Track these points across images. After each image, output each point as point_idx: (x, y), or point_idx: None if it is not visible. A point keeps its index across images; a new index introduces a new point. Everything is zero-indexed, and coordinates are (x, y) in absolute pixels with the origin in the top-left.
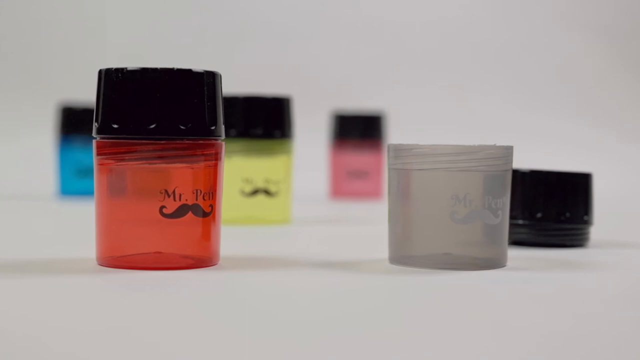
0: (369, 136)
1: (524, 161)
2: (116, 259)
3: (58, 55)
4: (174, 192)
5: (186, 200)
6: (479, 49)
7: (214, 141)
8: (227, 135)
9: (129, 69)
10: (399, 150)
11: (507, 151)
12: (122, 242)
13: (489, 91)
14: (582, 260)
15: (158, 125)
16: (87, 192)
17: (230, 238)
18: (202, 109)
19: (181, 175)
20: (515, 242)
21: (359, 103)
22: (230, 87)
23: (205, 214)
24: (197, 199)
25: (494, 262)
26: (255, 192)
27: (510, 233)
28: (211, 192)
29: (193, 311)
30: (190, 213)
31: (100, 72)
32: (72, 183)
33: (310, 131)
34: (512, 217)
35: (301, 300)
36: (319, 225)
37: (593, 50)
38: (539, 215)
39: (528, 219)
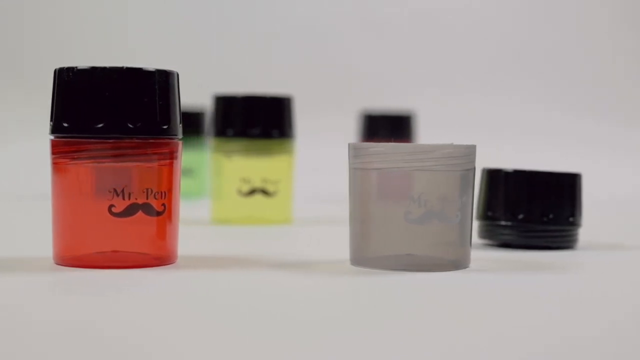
0: (397, 136)
1: (550, 164)
2: (72, 258)
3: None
4: (122, 191)
5: (136, 199)
6: (514, 49)
7: (167, 140)
8: (225, 134)
9: (79, 67)
10: (358, 150)
11: (468, 150)
12: (77, 240)
13: (524, 93)
14: (556, 263)
15: (106, 124)
16: None
17: (217, 238)
18: (153, 108)
19: (130, 174)
20: (503, 244)
21: (390, 103)
22: (256, 86)
23: (157, 213)
24: (147, 198)
25: (456, 264)
26: (252, 191)
27: (495, 234)
28: (164, 191)
29: (144, 309)
30: (140, 212)
31: (54, 71)
32: None
33: (338, 131)
34: (494, 217)
35: (249, 300)
36: (319, 226)
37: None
38: (520, 216)
39: (510, 219)
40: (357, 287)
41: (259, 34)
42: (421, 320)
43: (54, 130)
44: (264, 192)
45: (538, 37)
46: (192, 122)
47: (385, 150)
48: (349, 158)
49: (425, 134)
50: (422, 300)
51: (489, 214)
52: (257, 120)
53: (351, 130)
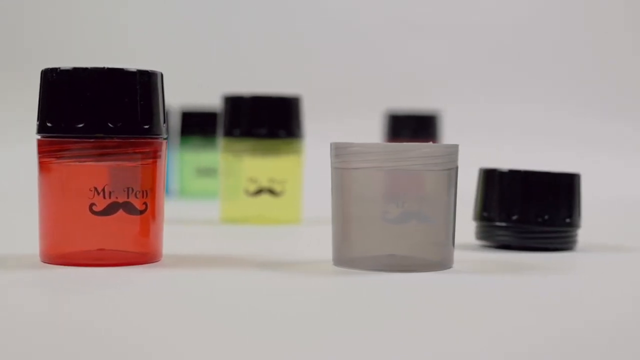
0: (421, 136)
1: (572, 166)
2: (57, 256)
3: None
4: (103, 189)
5: (116, 198)
6: (539, 50)
7: (149, 139)
8: (232, 134)
9: (62, 68)
10: (338, 149)
11: (449, 150)
12: (62, 239)
13: (551, 95)
14: (543, 264)
15: (87, 124)
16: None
17: (217, 237)
18: (134, 108)
19: (111, 173)
20: (501, 245)
21: (417, 103)
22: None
23: (139, 212)
24: (128, 197)
25: (439, 264)
26: (259, 191)
27: (491, 235)
28: (146, 190)
29: (122, 307)
30: (121, 210)
31: (41, 72)
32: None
33: (364, 131)
34: (490, 218)
35: (229, 299)
36: (327, 226)
37: None
38: (515, 216)
39: (505, 220)
40: (333, 287)
41: (283, 33)
42: (398, 322)
43: (39, 130)
44: (271, 191)
45: (572, 38)
46: (213, 123)
47: (363, 149)
48: (330, 158)
49: (451, 134)
50: (398, 300)
51: (485, 214)
52: (264, 120)
53: (376, 130)
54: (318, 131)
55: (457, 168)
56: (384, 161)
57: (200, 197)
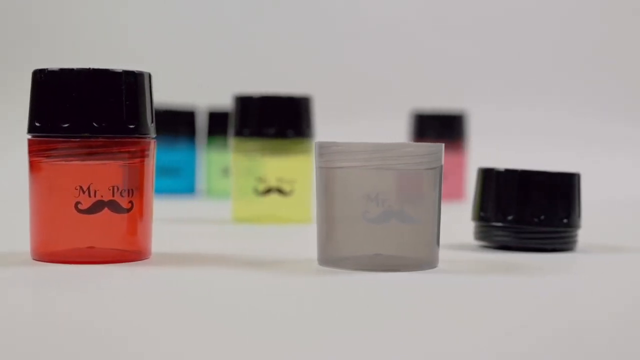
0: (447, 136)
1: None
2: (47, 253)
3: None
4: (88, 188)
5: (102, 196)
6: (569, 50)
7: (135, 139)
8: (242, 134)
9: (49, 69)
10: (322, 148)
11: (432, 149)
12: (50, 237)
13: (579, 97)
14: (536, 265)
15: (73, 124)
16: (168, 191)
17: (217, 237)
18: (119, 108)
19: (96, 173)
20: (500, 246)
21: (445, 103)
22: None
23: (125, 210)
24: (113, 196)
25: (423, 264)
26: (268, 190)
27: (489, 236)
28: (132, 189)
29: (102, 304)
30: (106, 209)
31: (32, 72)
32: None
33: (389, 131)
34: (487, 218)
35: (212, 297)
36: None
37: None
38: (510, 216)
39: (501, 220)
40: (315, 287)
41: (306, 34)
42: (376, 321)
43: (29, 129)
44: (280, 191)
45: (604, 39)
46: None
47: (345, 148)
48: (314, 157)
49: (479, 134)
50: (376, 300)
51: (482, 214)
52: (273, 119)
53: (402, 130)
54: (343, 132)
55: (441, 167)
56: (365, 160)
57: (227, 196)
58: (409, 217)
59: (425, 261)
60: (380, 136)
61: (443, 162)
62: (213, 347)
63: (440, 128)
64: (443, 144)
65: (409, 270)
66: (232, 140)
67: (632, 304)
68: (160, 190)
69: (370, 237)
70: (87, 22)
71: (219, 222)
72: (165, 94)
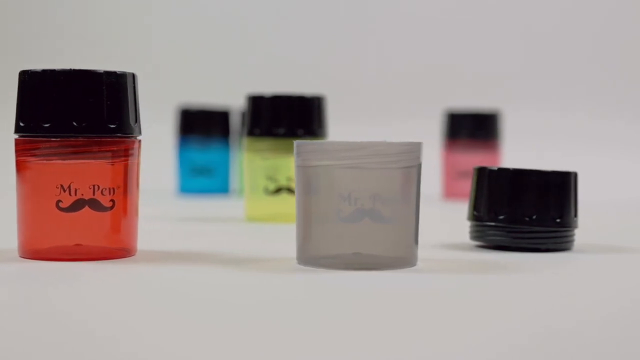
0: (480, 136)
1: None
2: (33, 251)
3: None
4: (69, 187)
5: (82, 195)
6: (604, 50)
7: (117, 139)
8: (253, 133)
9: (32, 70)
10: (299, 147)
11: (407, 148)
12: (35, 234)
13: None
14: (521, 265)
15: (53, 124)
16: (202, 190)
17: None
18: (100, 108)
19: (77, 172)
20: (493, 245)
21: (480, 102)
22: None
23: (106, 209)
24: (94, 194)
25: (400, 263)
26: (278, 190)
27: (483, 235)
28: (113, 187)
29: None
30: (87, 207)
31: (18, 73)
32: (189, 181)
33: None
34: (480, 218)
35: (195, 294)
36: None
37: None
38: (501, 216)
39: (493, 219)
40: (291, 284)
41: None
42: (349, 321)
43: (15, 129)
44: (290, 190)
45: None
46: None
47: (319, 147)
48: (294, 156)
49: (513, 134)
50: (348, 298)
51: (476, 213)
52: (283, 119)
53: (435, 129)
54: (365, 132)
55: (419, 166)
56: (339, 159)
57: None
58: (381, 216)
59: (401, 260)
60: (413, 136)
61: (422, 161)
62: (197, 344)
63: (472, 127)
64: (421, 142)
65: (383, 269)
66: (244, 140)
67: (623, 305)
68: (194, 190)
69: (347, 236)
70: (107, 23)
71: (232, 220)
72: (199, 94)
